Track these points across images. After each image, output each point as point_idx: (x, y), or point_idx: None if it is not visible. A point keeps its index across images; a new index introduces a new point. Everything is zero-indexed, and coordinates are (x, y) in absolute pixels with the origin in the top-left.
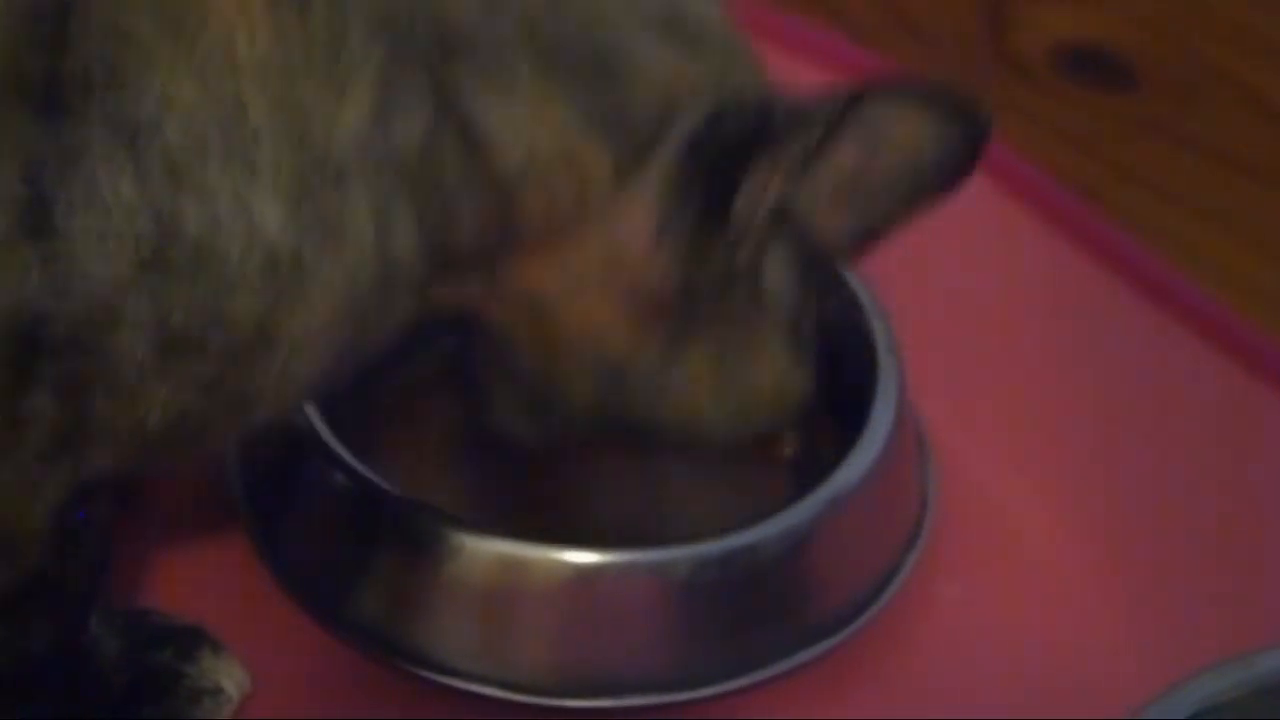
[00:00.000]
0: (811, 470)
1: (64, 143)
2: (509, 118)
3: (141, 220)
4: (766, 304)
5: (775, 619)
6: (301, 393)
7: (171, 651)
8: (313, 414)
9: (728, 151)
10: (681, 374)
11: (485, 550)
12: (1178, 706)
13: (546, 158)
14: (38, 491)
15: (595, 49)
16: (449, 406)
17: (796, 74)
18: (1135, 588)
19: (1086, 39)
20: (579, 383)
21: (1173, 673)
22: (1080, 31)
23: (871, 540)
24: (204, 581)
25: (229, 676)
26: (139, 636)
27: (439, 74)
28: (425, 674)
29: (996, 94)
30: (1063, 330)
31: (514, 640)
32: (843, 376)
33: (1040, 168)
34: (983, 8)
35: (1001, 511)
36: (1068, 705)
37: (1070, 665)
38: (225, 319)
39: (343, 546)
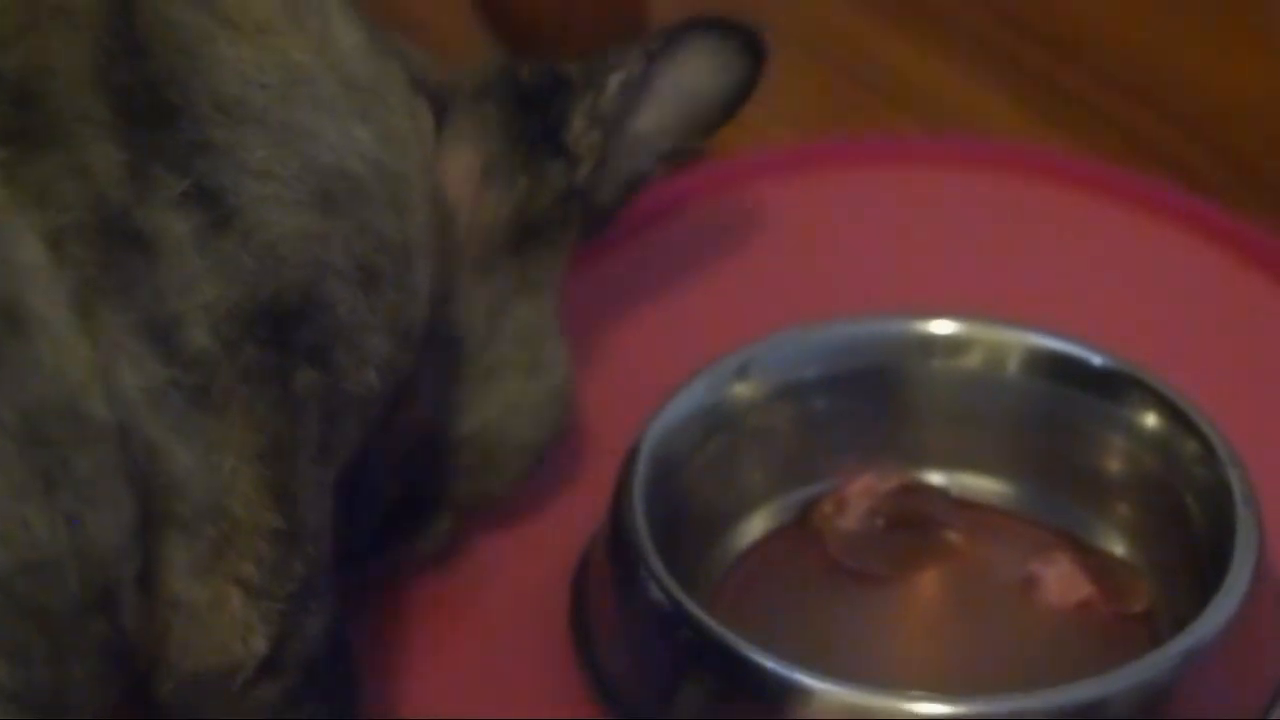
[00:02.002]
0: (1166, 625)
1: (191, 137)
2: None
3: (290, 163)
4: (555, 275)
5: None
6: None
7: None
8: (655, 559)
9: (537, 94)
10: (500, 350)
11: (834, 701)
12: None
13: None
14: (324, 499)
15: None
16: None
17: (1143, 229)
18: None
19: None
20: (430, 379)
21: None
22: None
23: (1231, 696)
24: (533, 713)
25: None
26: None
27: None
28: None
29: None
30: None
31: None
32: (1197, 529)
33: None
34: None
35: None
36: None
37: None
38: (384, 238)
39: (682, 694)
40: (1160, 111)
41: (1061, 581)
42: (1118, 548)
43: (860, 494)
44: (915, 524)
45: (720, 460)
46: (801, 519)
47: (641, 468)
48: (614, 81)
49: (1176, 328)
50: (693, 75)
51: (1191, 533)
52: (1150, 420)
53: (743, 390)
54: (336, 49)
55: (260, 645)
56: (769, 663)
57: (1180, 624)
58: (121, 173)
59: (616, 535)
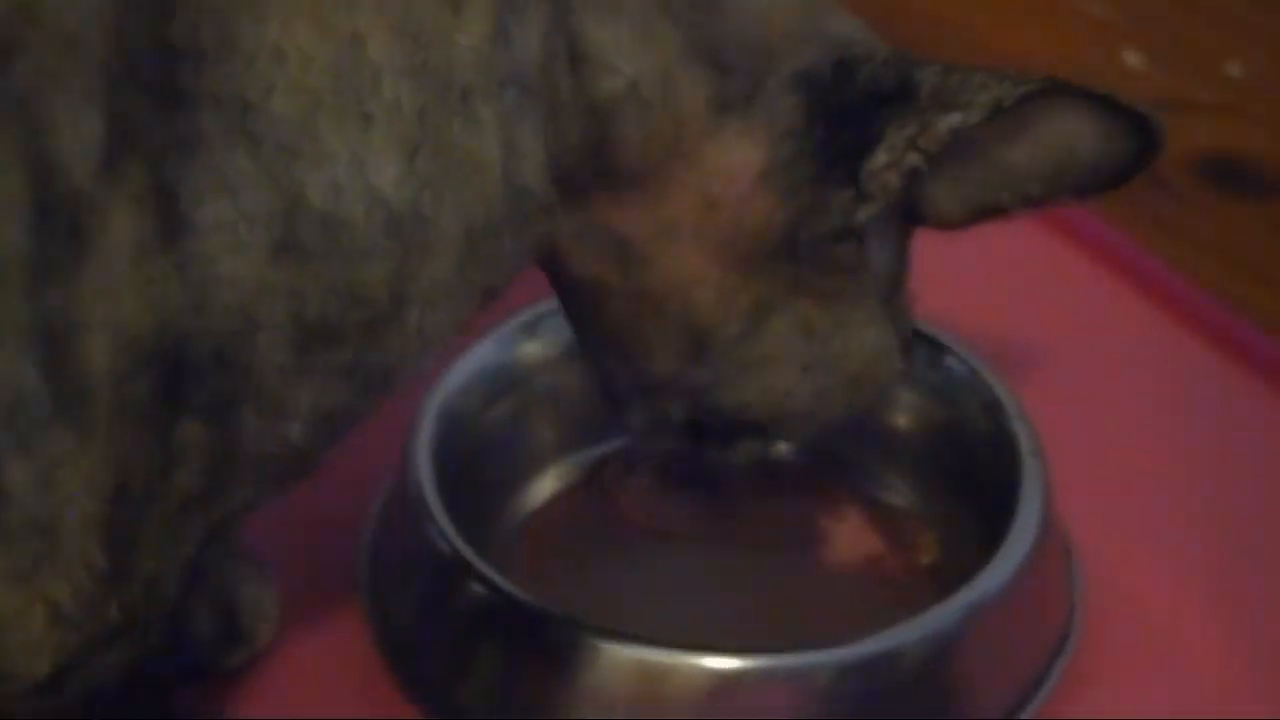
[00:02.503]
0: (954, 577)
1: (180, 130)
2: (615, 37)
3: (267, 196)
4: (864, 273)
5: None
6: (437, 349)
7: None
8: (443, 516)
9: (860, 104)
10: (767, 343)
11: (625, 657)
12: None
13: (648, 83)
14: (180, 544)
15: None
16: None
17: None
18: None
19: (1221, 148)
20: (662, 346)
21: None
22: (1219, 142)
23: (1018, 646)
24: (323, 678)
25: None
26: None
27: None
28: None
29: (1135, 204)
30: (1206, 432)
31: None
32: (985, 480)
33: (1181, 275)
34: None
35: (1152, 617)
36: None
37: None
38: (360, 294)
39: (474, 654)
40: None
41: (850, 536)
42: (906, 502)
43: (649, 452)
44: (704, 482)
45: (510, 419)
46: (592, 477)
47: (429, 426)
48: (945, 124)
49: (963, 283)
50: (1069, 137)
51: (979, 486)
52: (937, 375)
53: (532, 349)
54: (441, 43)
55: (43, 668)
56: (558, 620)
57: (968, 576)
58: (92, 150)
59: (404, 494)
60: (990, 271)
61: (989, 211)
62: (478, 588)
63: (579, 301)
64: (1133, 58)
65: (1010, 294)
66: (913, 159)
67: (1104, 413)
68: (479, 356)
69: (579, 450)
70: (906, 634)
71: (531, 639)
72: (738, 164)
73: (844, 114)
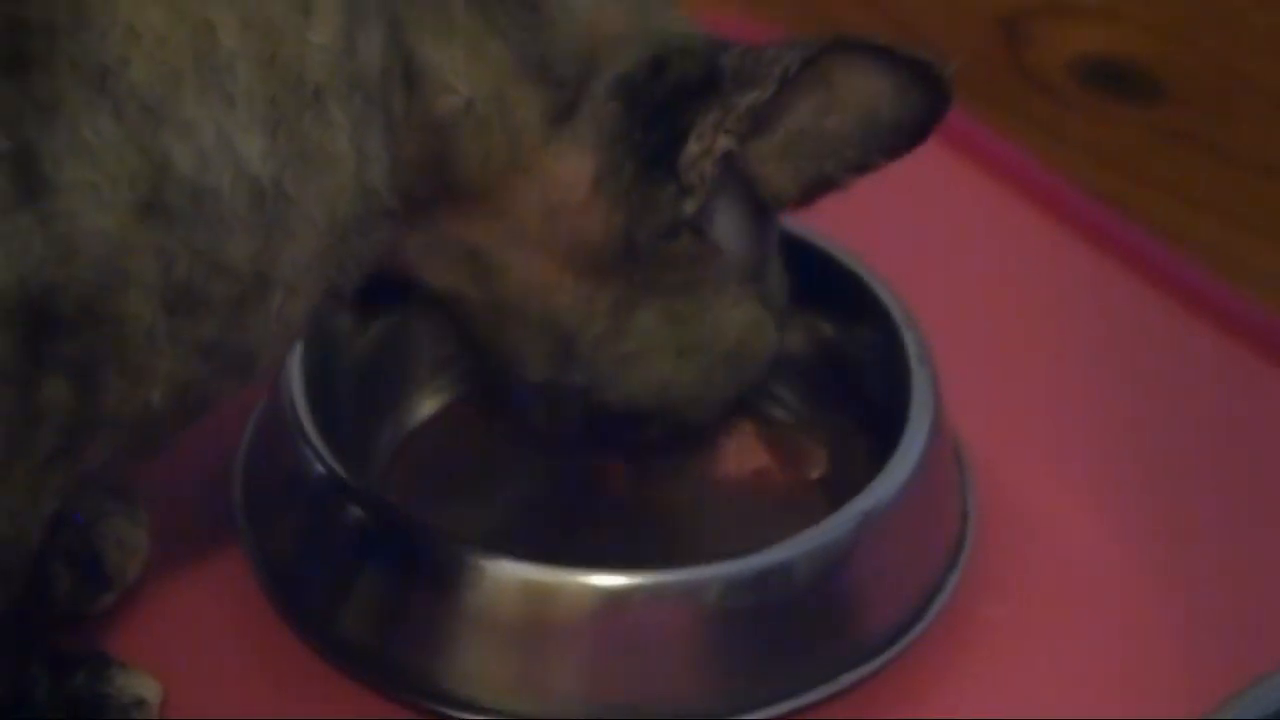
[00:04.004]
0: (845, 490)
1: (37, 94)
2: (449, 58)
3: (130, 159)
4: (715, 256)
5: (813, 642)
6: (292, 340)
7: (84, 676)
8: (318, 438)
9: (671, 100)
10: (635, 338)
11: (510, 577)
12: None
13: (483, 101)
14: (39, 500)
15: None
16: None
17: None
18: (1185, 597)
19: (1104, 52)
20: (531, 352)
21: (1231, 684)
22: (1098, 45)
23: (911, 558)
24: (201, 610)
25: (145, 688)
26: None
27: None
28: (451, 713)
29: (1017, 109)
30: (1097, 338)
31: (543, 671)
32: (874, 391)
33: (1069, 181)
34: (998, 24)
35: (1045, 526)
36: None
37: (1123, 682)
38: (225, 264)
39: (355, 579)
40: None
41: (738, 450)
42: (795, 415)
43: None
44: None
45: (385, 337)
46: (474, 393)
47: (301, 344)
48: (744, 102)
49: (850, 194)
50: (868, 95)
51: (868, 398)
52: (824, 285)
53: None
54: (293, 40)
55: None
56: (441, 540)
57: (859, 489)
58: None
59: (278, 415)
60: (877, 182)
61: (821, 185)
62: (357, 510)
63: (443, 316)
64: None
65: (897, 203)
66: (724, 142)
67: (993, 321)
68: None
69: (456, 368)
70: (796, 547)
71: (414, 561)
72: (572, 174)
73: (658, 112)
